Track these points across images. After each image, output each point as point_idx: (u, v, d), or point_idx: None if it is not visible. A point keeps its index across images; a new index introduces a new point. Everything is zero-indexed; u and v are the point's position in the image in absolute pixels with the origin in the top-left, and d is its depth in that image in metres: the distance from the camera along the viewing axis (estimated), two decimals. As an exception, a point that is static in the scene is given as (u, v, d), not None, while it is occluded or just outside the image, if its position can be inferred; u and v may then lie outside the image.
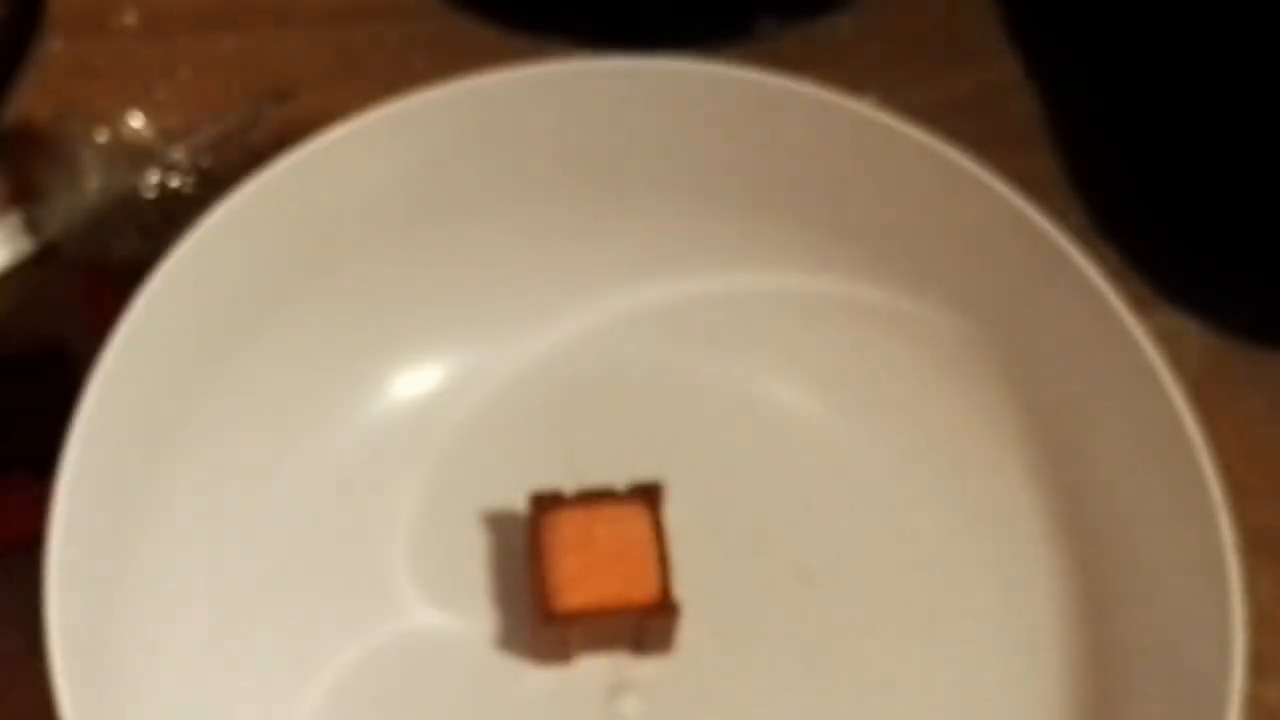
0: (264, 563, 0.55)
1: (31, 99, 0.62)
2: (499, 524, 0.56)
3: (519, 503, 0.54)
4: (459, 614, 0.55)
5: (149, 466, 0.52)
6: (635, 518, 0.53)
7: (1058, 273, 0.53)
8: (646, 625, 0.53)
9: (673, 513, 0.53)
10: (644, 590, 0.52)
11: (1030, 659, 0.54)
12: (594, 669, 0.54)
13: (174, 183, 0.60)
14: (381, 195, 0.55)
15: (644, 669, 0.54)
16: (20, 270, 0.58)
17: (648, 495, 0.53)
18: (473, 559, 0.56)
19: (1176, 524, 0.51)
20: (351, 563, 0.56)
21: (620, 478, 0.54)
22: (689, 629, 0.54)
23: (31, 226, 0.58)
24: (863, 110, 0.54)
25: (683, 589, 0.53)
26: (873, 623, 0.56)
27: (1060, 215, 0.54)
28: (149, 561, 0.52)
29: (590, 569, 0.52)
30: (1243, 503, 0.51)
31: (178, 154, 0.60)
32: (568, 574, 0.52)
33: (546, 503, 0.53)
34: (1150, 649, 0.52)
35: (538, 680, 0.54)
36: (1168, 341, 0.52)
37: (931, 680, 0.55)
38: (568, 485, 0.54)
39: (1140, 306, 0.53)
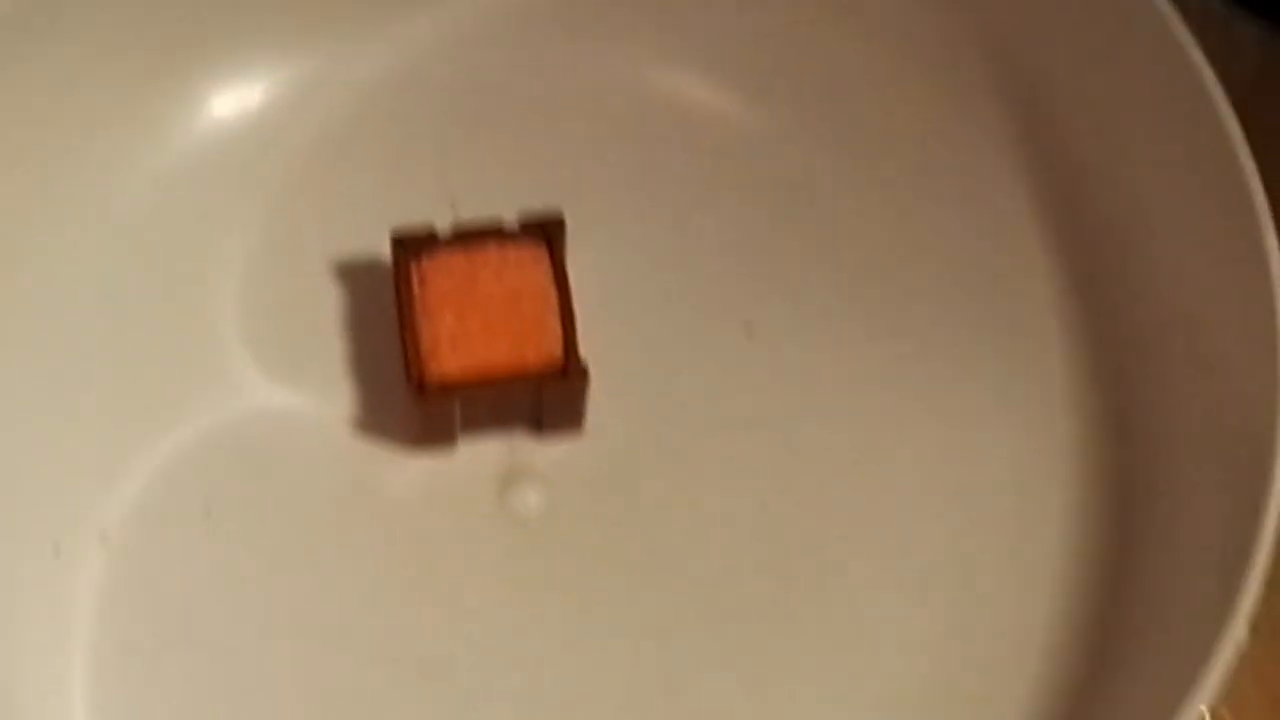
0: (57, 330, 0.49)
1: None
2: (357, 274, 0.50)
3: (381, 246, 0.48)
4: (311, 390, 0.49)
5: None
6: (530, 260, 0.47)
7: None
8: (547, 396, 0.47)
9: (579, 256, 0.48)
10: (542, 351, 0.46)
11: (1041, 428, 0.48)
12: (483, 454, 0.48)
13: None
14: None
15: (545, 453, 0.49)
16: None
17: (545, 231, 0.47)
18: (326, 319, 0.50)
19: (1215, 249, 0.46)
20: (170, 328, 0.50)
21: (508, 210, 0.48)
22: (600, 401, 0.48)
23: None
24: None
25: (592, 350, 0.47)
26: (839, 387, 0.49)
27: None
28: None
29: (474, 326, 0.46)
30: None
31: None
32: (445, 333, 0.46)
33: (415, 244, 0.47)
34: (1182, 408, 0.46)
35: (412, 471, 0.48)
36: (1211, 35, 0.46)
37: (915, 456, 0.48)
38: (442, 222, 0.48)
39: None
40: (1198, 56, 0.45)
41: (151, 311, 0.49)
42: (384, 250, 0.47)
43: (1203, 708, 0.39)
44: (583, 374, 0.46)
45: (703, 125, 0.51)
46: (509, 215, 0.47)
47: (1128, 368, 0.48)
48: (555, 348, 0.46)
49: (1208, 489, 0.44)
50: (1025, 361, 0.49)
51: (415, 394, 0.46)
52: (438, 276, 0.46)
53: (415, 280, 0.46)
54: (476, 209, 0.48)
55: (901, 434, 0.48)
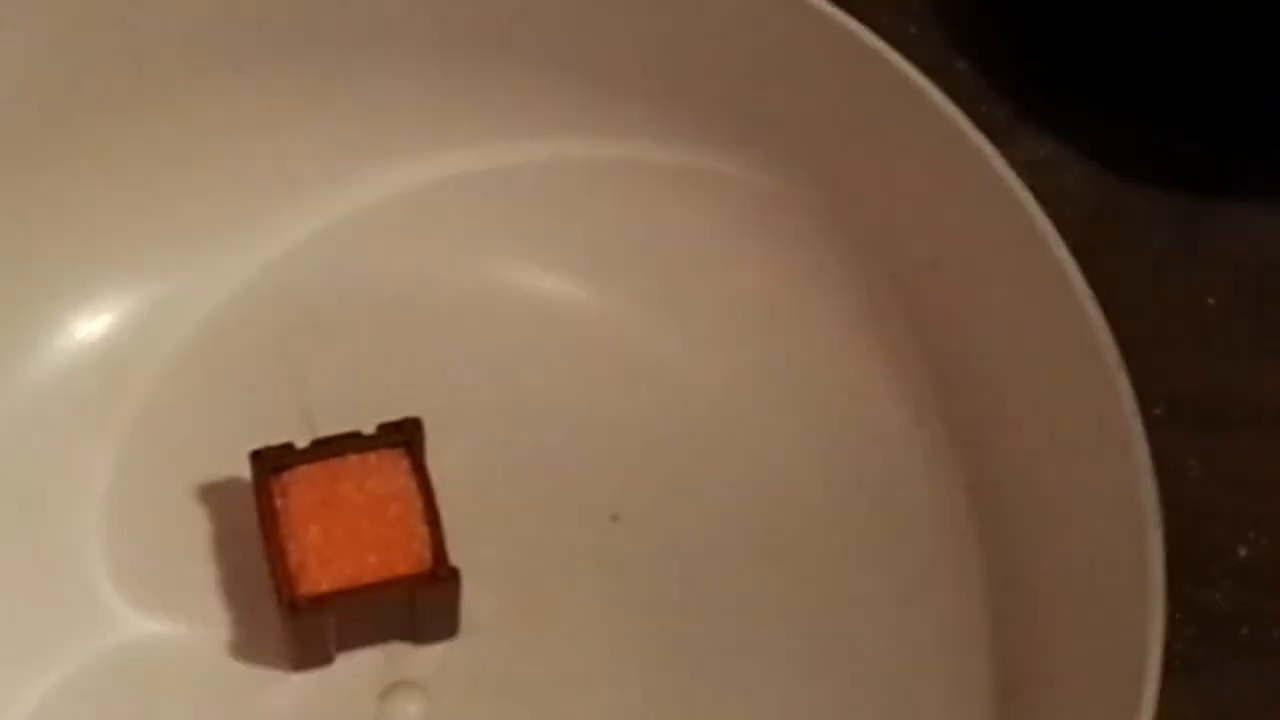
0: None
1: None
2: (220, 495, 0.48)
3: (242, 466, 0.46)
4: (181, 617, 0.47)
5: None
6: (390, 466, 0.46)
7: (891, 98, 0.46)
8: (421, 602, 0.46)
9: (441, 457, 0.46)
10: (411, 557, 0.45)
11: (914, 593, 0.47)
12: (362, 666, 0.47)
13: None
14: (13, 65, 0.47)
15: (424, 660, 0.47)
16: None
17: (404, 436, 0.46)
18: (191, 545, 0.48)
19: (1068, 395, 0.45)
20: (32, 565, 0.48)
21: (366, 418, 0.46)
22: (476, 602, 0.47)
23: None
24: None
25: (463, 552, 0.45)
26: (711, 567, 0.48)
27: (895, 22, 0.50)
28: None
29: (340, 539, 0.45)
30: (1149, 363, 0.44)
31: None
32: (312, 549, 0.45)
33: (274, 461, 0.45)
34: (1055, 561, 0.45)
35: (290, 690, 0.47)
36: (1041, 175, 0.47)
37: (789, 627, 0.47)
38: (301, 435, 0.46)
39: (1006, 135, 0.49)
40: (1057, 244, 0.44)
41: (12, 553, 0.47)
42: (245, 470, 0.46)
43: None
44: (454, 577, 0.45)
45: (554, 316, 0.50)
46: (367, 422, 0.46)
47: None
48: (424, 553, 0.44)
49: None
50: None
51: (286, 613, 0.44)
52: (299, 491, 0.45)
53: (277, 496, 0.45)
54: (334, 418, 0.47)
55: (777, 614, 0.47)
